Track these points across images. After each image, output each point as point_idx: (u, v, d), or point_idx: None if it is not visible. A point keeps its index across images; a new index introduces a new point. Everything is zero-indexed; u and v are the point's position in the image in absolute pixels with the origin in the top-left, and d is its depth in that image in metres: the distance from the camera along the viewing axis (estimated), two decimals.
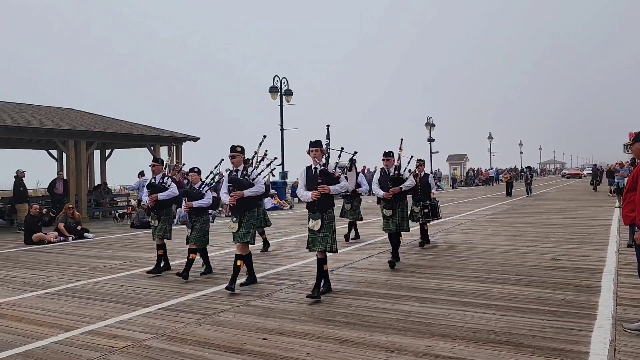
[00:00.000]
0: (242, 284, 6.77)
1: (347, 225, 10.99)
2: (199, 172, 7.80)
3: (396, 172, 7.87)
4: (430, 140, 42.29)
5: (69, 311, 5.80)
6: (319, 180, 5.99)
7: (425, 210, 9.71)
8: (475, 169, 51.78)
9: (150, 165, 8.43)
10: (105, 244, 11.62)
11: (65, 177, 18.15)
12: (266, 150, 7.47)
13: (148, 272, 7.81)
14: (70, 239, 12.49)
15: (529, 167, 31.55)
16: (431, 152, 42.36)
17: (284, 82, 25.63)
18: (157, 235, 7.95)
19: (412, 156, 8.37)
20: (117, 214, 17.25)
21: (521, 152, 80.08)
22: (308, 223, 6.17)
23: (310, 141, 6.21)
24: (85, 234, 12.93)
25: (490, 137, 61.41)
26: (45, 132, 16.83)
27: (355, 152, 7.13)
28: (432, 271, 7.44)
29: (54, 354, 4.42)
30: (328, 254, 6.33)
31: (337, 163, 6.41)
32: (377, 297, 6.01)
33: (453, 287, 6.38)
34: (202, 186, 7.58)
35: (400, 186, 7.78)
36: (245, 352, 4.33)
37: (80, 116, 21.03)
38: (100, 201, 19.89)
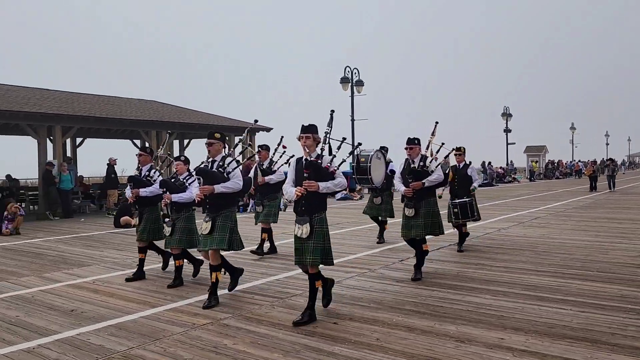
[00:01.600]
0: (231, 289, 5.96)
1: (373, 224, 9.93)
2: (186, 161, 6.73)
3: (421, 164, 6.59)
4: (507, 131, 40.77)
5: (153, 289, 6.23)
6: (305, 175, 4.84)
7: (455, 210, 8.34)
8: (555, 161, 49.34)
9: (137, 155, 7.31)
10: None
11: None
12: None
13: (127, 279, 6.76)
14: None
15: (611, 160, 29.68)
16: (507, 144, 40.85)
17: (355, 73, 25.64)
18: (139, 238, 6.91)
19: (442, 144, 6.85)
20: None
21: (607, 144, 75.29)
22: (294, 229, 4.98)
23: (302, 125, 5.06)
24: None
25: (572, 128, 58.22)
26: (130, 122, 17.93)
27: (359, 144, 6.33)
28: (506, 265, 7.27)
29: (142, 327, 4.80)
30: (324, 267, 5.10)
31: (334, 156, 5.06)
32: (447, 289, 5.98)
33: (528, 282, 6.22)
34: (187, 178, 6.48)
35: (423, 181, 6.42)
36: (317, 335, 4.49)
37: (162, 108, 22.17)
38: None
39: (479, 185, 9.38)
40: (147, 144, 17.61)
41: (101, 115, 17.15)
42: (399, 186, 6.77)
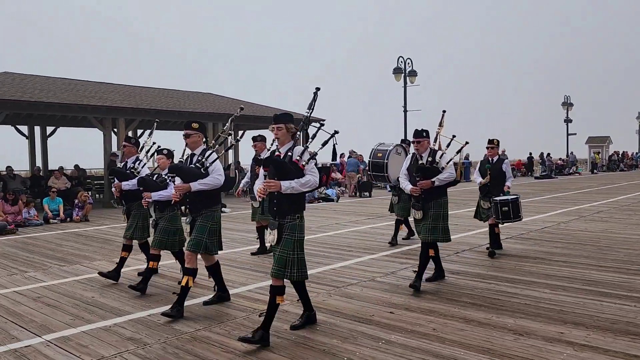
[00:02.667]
0: (206, 303, 5.28)
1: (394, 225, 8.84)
2: (168, 155, 5.96)
3: (429, 159, 5.79)
4: (567, 121, 39.22)
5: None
6: (264, 173, 4.17)
7: (505, 208, 7.30)
8: (620, 152, 47.05)
9: (122, 146, 6.89)
10: (241, 218, 12.62)
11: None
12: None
13: (139, 274, 6.43)
14: None
15: None
16: (568, 134, 39.31)
17: (409, 63, 25.36)
18: (126, 235, 6.33)
19: (453, 136, 6.06)
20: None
21: None
22: None
23: (275, 114, 4.34)
24: (223, 209, 14.17)
25: (639, 117, 55.21)
26: (189, 114, 18.54)
27: (336, 132, 4.53)
28: (566, 259, 7.11)
29: (207, 310, 5.07)
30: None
31: (306, 148, 4.21)
32: (504, 282, 5.93)
33: (589, 277, 6.08)
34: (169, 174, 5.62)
35: (433, 180, 5.65)
36: (374, 323, 4.60)
37: (218, 100, 22.77)
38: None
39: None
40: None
41: (161, 107, 17.83)
42: (405, 184, 5.92)
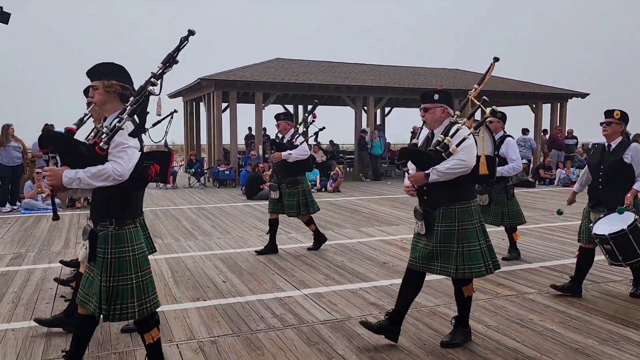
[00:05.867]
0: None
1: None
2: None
3: (439, 138, 3.56)
4: None
5: None
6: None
7: (607, 246, 4.47)
8: None
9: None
10: None
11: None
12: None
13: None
14: None
15: None
16: None
17: None
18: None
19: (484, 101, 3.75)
20: None
21: None
22: None
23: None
24: None
25: None
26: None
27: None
28: None
29: (447, 287, 5.05)
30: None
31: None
32: None
33: None
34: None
35: (427, 171, 3.50)
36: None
37: (465, 76, 22.16)
38: None
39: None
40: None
41: (408, 85, 18.22)
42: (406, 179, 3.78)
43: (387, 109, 23.60)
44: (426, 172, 3.49)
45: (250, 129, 19.70)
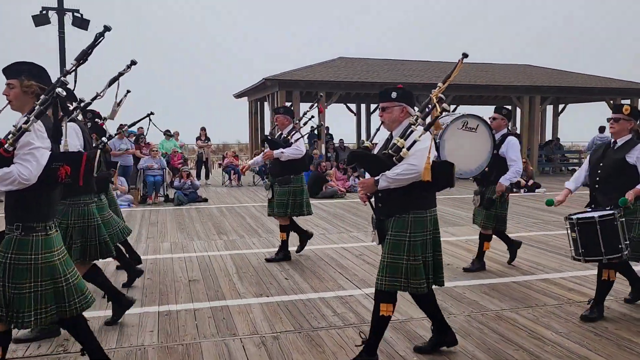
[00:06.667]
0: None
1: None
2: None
3: (395, 141, 3.21)
4: None
5: (525, 258, 6.18)
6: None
7: (574, 234, 4.09)
8: None
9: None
10: None
11: (518, 132, 18.98)
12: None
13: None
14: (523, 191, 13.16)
15: None
16: None
17: None
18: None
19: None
20: None
21: None
22: None
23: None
24: (536, 189, 13.36)
25: None
26: (503, 88, 17.95)
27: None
28: None
29: (513, 291, 4.89)
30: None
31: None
32: None
33: None
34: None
35: (377, 177, 3.23)
36: None
37: (535, 72, 21.27)
38: (550, 157, 19.94)
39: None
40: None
41: (475, 82, 17.73)
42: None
43: (452, 107, 23.06)
44: (376, 178, 3.22)
45: (312, 128, 19.90)
